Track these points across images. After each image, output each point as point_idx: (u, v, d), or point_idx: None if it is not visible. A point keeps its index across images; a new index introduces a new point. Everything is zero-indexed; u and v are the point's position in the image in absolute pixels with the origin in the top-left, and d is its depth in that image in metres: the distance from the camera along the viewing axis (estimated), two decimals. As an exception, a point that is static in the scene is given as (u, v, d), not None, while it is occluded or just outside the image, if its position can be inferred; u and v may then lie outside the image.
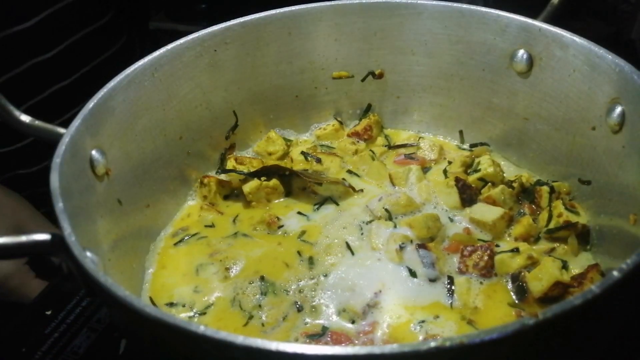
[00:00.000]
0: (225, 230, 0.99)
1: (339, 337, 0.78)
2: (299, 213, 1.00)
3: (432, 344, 0.49)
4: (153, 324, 0.56)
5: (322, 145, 1.15)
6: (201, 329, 0.53)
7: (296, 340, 0.79)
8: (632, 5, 1.29)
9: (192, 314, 0.85)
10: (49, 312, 1.00)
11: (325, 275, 0.87)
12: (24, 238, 0.64)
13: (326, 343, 0.78)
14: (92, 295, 0.68)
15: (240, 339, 0.52)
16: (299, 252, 0.92)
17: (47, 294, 1.03)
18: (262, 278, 0.88)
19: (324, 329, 0.80)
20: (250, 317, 0.83)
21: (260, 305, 0.84)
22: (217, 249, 0.95)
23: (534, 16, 0.97)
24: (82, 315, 0.99)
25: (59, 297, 1.02)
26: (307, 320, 0.81)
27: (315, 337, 0.79)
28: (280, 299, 0.85)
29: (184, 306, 0.86)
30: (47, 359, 0.93)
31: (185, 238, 0.98)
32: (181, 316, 0.85)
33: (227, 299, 0.86)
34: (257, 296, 0.86)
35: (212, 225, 1.00)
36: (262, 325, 0.82)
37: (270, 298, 0.85)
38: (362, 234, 0.94)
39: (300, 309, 0.83)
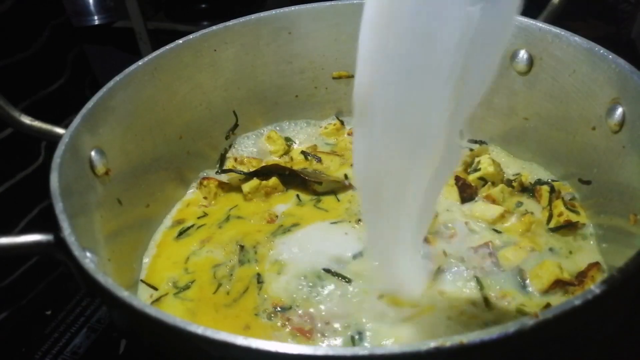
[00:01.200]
0: (218, 218, 0.99)
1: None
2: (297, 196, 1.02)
3: (432, 344, 0.49)
4: (153, 324, 0.56)
5: (323, 144, 1.15)
6: (200, 329, 0.53)
7: (293, 337, 0.78)
8: (632, 5, 1.29)
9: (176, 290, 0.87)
10: (49, 312, 1.00)
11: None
12: (23, 238, 0.65)
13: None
14: (92, 295, 0.68)
15: (239, 339, 0.52)
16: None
17: (47, 294, 1.03)
18: (241, 248, 0.90)
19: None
20: (220, 286, 0.86)
21: (231, 275, 0.87)
22: (209, 235, 0.96)
23: (534, 16, 0.97)
24: (82, 315, 0.99)
25: (59, 297, 1.02)
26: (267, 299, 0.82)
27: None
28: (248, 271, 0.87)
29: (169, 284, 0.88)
30: (47, 359, 0.93)
31: (180, 230, 0.98)
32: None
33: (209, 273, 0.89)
34: (233, 265, 0.88)
35: (205, 215, 1.01)
36: (227, 293, 0.84)
37: (244, 268, 0.88)
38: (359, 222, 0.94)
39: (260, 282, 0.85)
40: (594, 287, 0.53)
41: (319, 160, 1.09)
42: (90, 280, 0.61)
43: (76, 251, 0.62)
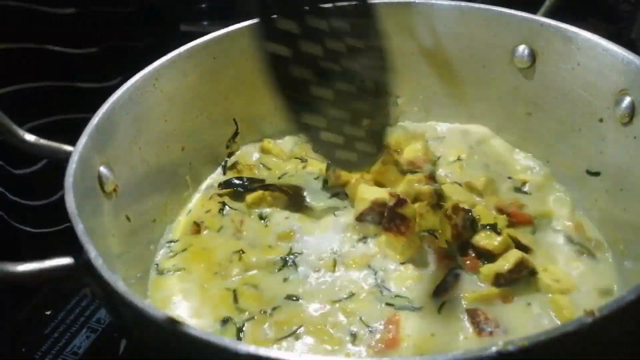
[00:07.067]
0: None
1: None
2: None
3: (494, 349, 0.48)
4: (192, 345, 0.54)
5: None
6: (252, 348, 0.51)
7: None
8: (632, 5, 1.31)
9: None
10: (49, 312, 1.00)
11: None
12: (47, 264, 0.61)
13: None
14: (119, 318, 0.65)
15: (242, 345, 0.51)
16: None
17: (47, 294, 1.02)
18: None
19: None
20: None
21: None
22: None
23: (533, 12, 0.98)
24: (82, 315, 0.99)
25: (59, 297, 1.02)
26: None
27: None
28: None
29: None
30: (47, 359, 0.92)
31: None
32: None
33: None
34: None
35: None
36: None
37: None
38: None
39: None
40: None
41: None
42: (121, 304, 0.58)
43: (106, 274, 0.59)
